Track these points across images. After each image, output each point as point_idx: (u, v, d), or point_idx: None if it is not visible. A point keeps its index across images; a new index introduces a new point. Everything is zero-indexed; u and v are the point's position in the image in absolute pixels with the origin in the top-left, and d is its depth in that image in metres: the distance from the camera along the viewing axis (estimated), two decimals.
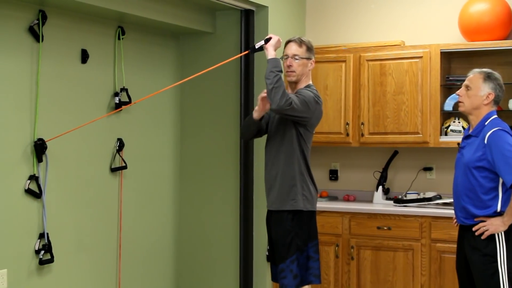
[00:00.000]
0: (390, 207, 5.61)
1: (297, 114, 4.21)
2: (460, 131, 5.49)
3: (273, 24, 5.79)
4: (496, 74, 4.22)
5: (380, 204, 5.86)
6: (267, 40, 4.31)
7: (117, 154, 5.34)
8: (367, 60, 5.80)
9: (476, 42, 5.51)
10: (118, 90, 5.31)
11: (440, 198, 5.57)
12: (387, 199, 5.96)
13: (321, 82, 5.93)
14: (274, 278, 4.47)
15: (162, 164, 5.92)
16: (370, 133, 5.81)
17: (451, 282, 5.19)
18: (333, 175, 6.37)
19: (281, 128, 4.35)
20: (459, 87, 5.58)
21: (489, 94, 4.16)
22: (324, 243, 5.63)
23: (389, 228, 5.51)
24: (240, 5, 5.63)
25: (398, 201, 5.68)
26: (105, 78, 5.25)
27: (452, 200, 5.44)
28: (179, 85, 5.87)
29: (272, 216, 4.44)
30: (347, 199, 6.18)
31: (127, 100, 5.32)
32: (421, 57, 5.60)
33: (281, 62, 4.28)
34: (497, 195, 4.07)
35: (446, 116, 5.66)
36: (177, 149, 6.09)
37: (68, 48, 4.90)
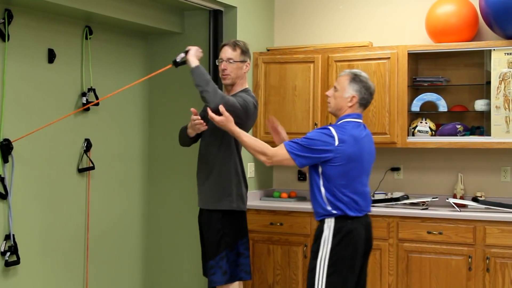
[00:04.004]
0: None
1: (235, 109, 4.20)
2: (427, 132, 5.53)
3: (242, 25, 5.80)
4: (363, 76, 4.08)
5: None
6: (186, 52, 4.36)
7: (85, 155, 5.30)
8: (336, 61, 5.82)
9: (443, 43, 5.55)
10: (85, 90, 5.27)
11: (407, 198, 5.60)
12: None
13: (289, 83, 5.94)
14: (205, 274, 4.54)
15: (130, 164, 5.89)
16: None
17: (418, 282, 5.23)
18: (302, 175, 6.38)
19: (217, 130, 4.35)
20: (426, 88, 5.67)
21: (353, 96, 4.04)
22: (292, 243, 5.65)
23: None
24: (209, 5, 5.63)
25: None
26: (73, 78, 5.20)
27: (419, 200, 5.53)
28: (147, 84, 5.85)
29: (203, 215, 4.51)
30: None
31: (95, 100, 5.29)
32: (388, 58, 5.64)
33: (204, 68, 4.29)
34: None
35: (414, 116, 5.70)
36: (145, 149, 6.06)
37: (34, 48, 4.85)
